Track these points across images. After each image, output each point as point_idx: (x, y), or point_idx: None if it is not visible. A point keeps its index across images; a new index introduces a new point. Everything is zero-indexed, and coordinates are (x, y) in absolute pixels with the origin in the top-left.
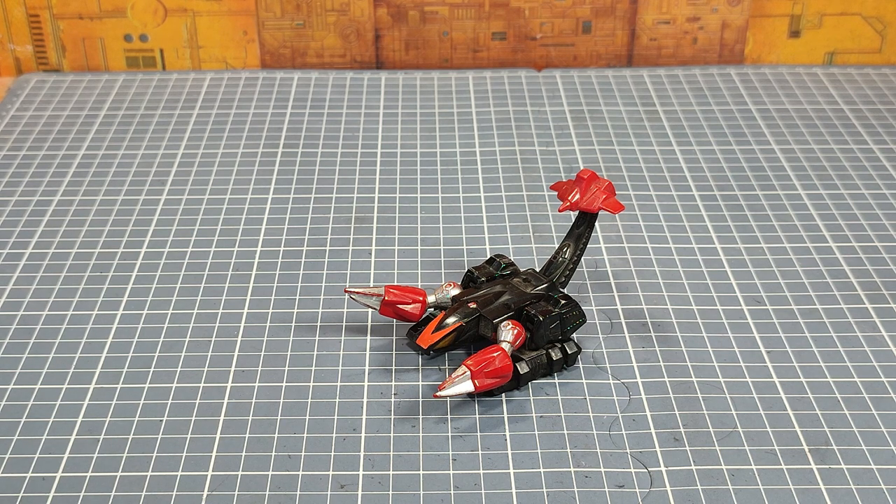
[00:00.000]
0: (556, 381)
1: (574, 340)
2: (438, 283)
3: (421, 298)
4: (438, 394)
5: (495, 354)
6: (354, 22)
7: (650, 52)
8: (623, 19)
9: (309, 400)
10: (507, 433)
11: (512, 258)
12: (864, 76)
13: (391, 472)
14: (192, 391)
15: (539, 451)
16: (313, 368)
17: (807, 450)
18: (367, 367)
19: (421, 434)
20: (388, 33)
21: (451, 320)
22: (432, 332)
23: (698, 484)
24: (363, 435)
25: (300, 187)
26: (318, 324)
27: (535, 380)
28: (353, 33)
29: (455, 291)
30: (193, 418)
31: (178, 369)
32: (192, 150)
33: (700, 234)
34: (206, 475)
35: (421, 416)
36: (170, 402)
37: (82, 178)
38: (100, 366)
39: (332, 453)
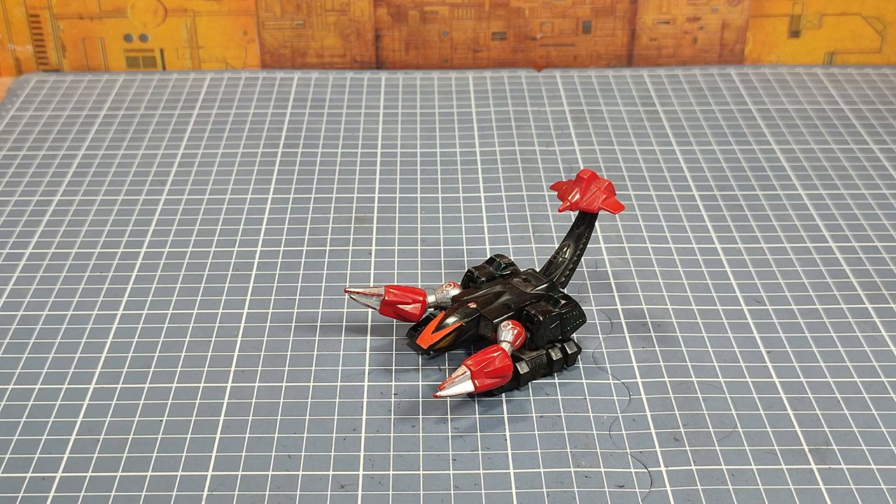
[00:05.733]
0: (556, 381)
1: (574, 340)
2: (438, 283)
3: (421, 298)
4: (438, 394)
5: (495, 354)
6: (354, 22)
7: (650, 52)
8: (623, 19)
9: (309, 400)
10: (507, 433)
11: (512, 258)
12: (864, 76)
13: (391, 472)
14: (192, 391)
15: (539, 451)
16: (313, 368)
17: (807, 450)
18: (367, 367)
19: (421, 434)
20: (388, 33)
21: (451, 320)
22: (432, 332)
23: (698, 484)
24: (363, 435)
25: (300, 187)
26: (318, 324)
27: (535, 380)
28: (353, 33)
29: (455, 291)
30: (193, 418)
31: (178, 369)
32: (192, 150)
33: (700, 234)
34: (206, 475)
35: (421, 416)
36: (170, 402)
37: (82, 178)
38: (100, 366)
39: (332, 453)
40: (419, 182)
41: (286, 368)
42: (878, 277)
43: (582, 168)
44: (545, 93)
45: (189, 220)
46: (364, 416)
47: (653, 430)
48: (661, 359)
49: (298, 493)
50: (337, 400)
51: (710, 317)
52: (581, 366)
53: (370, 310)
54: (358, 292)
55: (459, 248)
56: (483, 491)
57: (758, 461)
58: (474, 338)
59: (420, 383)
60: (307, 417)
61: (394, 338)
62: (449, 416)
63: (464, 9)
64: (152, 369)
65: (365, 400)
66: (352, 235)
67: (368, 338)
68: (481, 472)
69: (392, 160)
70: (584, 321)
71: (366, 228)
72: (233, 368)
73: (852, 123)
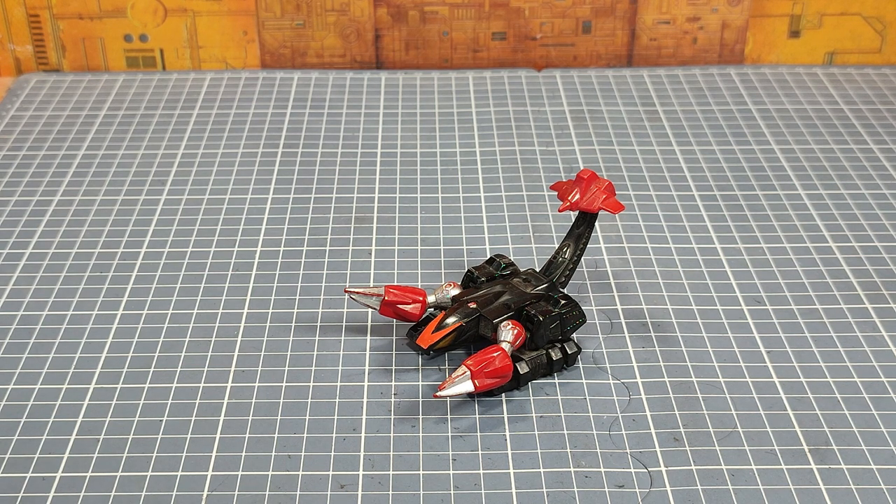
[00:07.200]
0: (556, 381)
1: (574, 340)
2: (438, 283)
3: (421, 298)
4: (438, 394)
5: (495, 354)
6: (354, 22)
7: (650, 52)
8: (623, 19)
9: (309, 400)
10: (507, 433)
11: (512, 258)
12: (864, 76)
13: (391, 472)
14: (192, 391)
15: (539, 451)
16: (313, 368)
17: (807, 450)
18: (367, 367)
19: (421, 434)
20: (388, 33)
21: (451, 320)
22: (432, 332)
23: (698, 484)
24: (363, 435)
25: (300, 187)
26: (318, 324)
27: (535, 380)
28: (353, 33)
29: (455, 291)
30: (193, 418)
31: (178, 369)
32: (192, 150)
33: (700, 234)
34: (206, 475)
35: (421, 416)
36: (170, 402)
37: (82, 178)
38: (100, 366)
39: (332, 453)
40: (419, 182)
41: (286, 368)
42: (878, 277)
43: (582, 168)
44: (545, 93)
45: (189, 220)
46: (364, 416)
47: (653, 430)
48: (661, 359)
49: (298, 493)
50: (337, 400)
51: (710, 317)
52: (581, 366)
53: (370, 310)
54: (358, 292)
55: (459, 248)
56: (483, 491)
57: (758, 461)
58: (474, 338)
59: (420, 383)
60: (307, 417)
61: (394, 338)
62: (449, 416)
63: (464, 9)
64: (152, 369)
65: (365, 400)
66: (352, 235)
67: (368, 338)
68: (481, 472)
69: (392, 160)
70: (584, 321)
71: (366, 228)
72: (233, 368)
73: (852, 123)
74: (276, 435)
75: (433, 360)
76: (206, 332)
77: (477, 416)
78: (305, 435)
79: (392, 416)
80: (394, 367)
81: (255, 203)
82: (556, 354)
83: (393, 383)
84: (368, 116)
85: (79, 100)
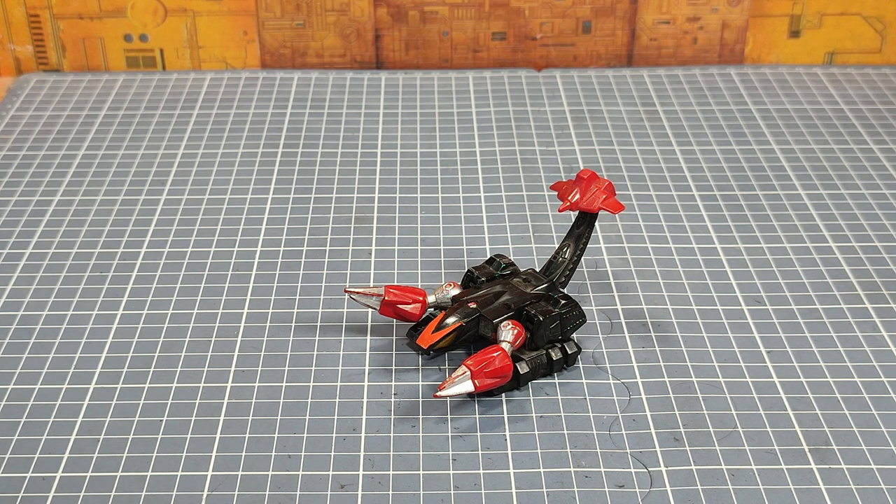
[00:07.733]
0: (556, 381)
1: (574, 340)
2: (438, 283)
3: (421, 298)
4: (438, 394)
5: (495, 354)
6: (354, 22)
7: (650, 52)
8: (623, 19)
9: (309, 400)
10: (507, 433)
11: (512, 258)
12: (864, 76)
13: (391, 472)
14: (192, 391)
15: (539, 451)
16: (313, 368)
17: (807, 450)
18: (367, 367)
19: (421, 434)
20: (388, 33)
21: (451, 320)
22: (432, 332)
23: (698, 484)
24: (363, 435)
25: (300, 187)
26: (318, 324)
27: (535, 380)
28: (353, 33)
29: (455, 291)
30: (193, 418)
31: (178, 369)
32: (192, 150)
33: (700, 234)
34: (206, 475)
35: (421, 416)
36: (170, 402)
37: (82, 178)
38: (100, 366)
39: (332, 453)
40: (419, 182)
41: (286, 368)
42: (878, 277)
43: (582, 168)
44: (545, 93)
45: (189, 220)
46: (364, 416)
47: (653, 430)
48: (661, 359)
49: (298, 493)
50: (337, 400)
51: (710, 317)
52: (581, 366)
53: (370, 310)
54: (358, 292)
55: (459, 248)
56: (483, 491)
57: (758, 461)
58: (474, 338)
59: (420, 383)
60: (307, 417)
61: (394, 338)
62: (449, 416)
63: (464, 9)
64: (152, 369)
65: (365, 400)
66: (352, 235)
67: (368, 338)
68: (481, 472)
69: (392, 160)
70: (584, 321)
71: (366, 228)
72: (233, 368)
73: (852, 123)
74: (276, 435)
75: (433, 360)
76: (206, 332)
77: (477, 416)
78: (305, 435)
79: (392, 416)
80: (394, 367)
81: (255, 203)
82: (556, 354)
83: (393, 383)
84: (368, 116)
85: (79, 100)
